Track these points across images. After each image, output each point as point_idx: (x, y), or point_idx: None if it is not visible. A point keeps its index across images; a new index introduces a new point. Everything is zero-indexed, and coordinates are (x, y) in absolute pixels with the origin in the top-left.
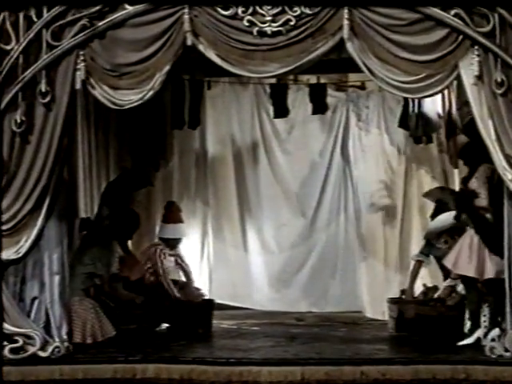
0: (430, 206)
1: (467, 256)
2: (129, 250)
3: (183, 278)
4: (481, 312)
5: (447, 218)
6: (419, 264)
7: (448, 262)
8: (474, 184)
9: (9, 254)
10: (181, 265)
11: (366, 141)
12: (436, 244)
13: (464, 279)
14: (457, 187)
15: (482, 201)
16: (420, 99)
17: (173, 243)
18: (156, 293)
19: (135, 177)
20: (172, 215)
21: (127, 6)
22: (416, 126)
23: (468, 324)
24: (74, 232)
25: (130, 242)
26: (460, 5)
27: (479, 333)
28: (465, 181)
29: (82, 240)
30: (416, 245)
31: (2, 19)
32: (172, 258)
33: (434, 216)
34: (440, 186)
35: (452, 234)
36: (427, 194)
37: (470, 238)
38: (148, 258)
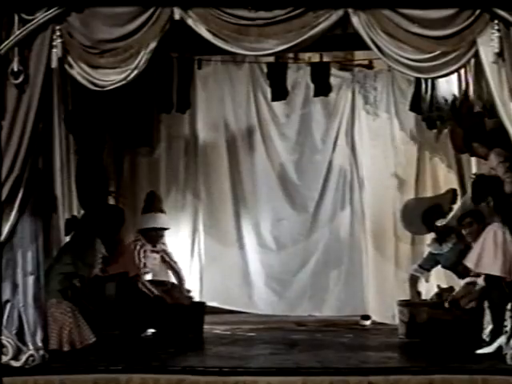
0: None
1: (492, 253)
2: (116, 248)
3: (172, 277)
4: (505, 317)
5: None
6: (416, 278)
7: (469, 260)
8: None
9: None
10: (169, 263)
11: (373, 126)
12: (446, 240)
13: (487, 279)
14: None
15: (507, 186)
16: (434, 79)
17: (153, 236)
18: (141, 294)
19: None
20: (151, 205)
21: None
22: (429, 110)
23: (487, 329)
24: (50, 228)
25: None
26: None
27: (501, 340)
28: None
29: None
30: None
31: None
32: (156, 255)
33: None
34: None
35: (477, 217)
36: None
37: (493, 232)
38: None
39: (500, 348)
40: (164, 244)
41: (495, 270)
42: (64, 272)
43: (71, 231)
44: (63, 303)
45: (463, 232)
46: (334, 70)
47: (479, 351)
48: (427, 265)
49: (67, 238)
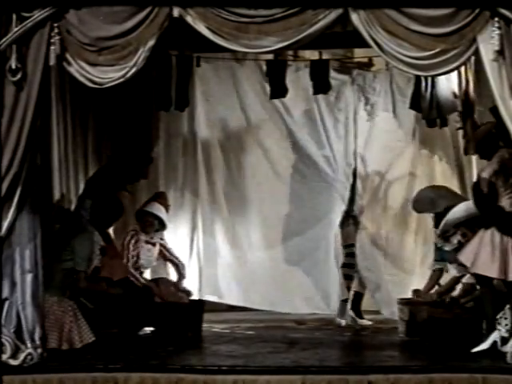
0: None
1: (489, 254)
2: (110, 241)
3: (174, 272)
4: (502, 314)
5: (466, 207)
6: (440, 272)
7: (465, 259)
8: (491, 166)
9: None
10: (170, 259)
11: (373, 125)
12: (449, 240)
13: (478, 278)
14: (474, 176)
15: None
16: (434, 77)
17: (148, 222)
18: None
19: (127, 167)
20: (156, 198)
21: None
22: (429, 108)
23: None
24: (48, 226)
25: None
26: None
27: (495, 336)
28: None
29: (59, 233)
30: (430, 239)
31: None
32: (151, 247)
33: (437, 224)
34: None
35: (471, 226)
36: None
37: (491, 232)
38: (122, 247)
39: (495, 343)
40: (163, 239)
41: (492, 272)
42: (64, 268)
43: (59, 222)
44: (64, 301)
45: (461, 240)
46: (333, 73)
47: (475, 349)
48: (438, 257)
49: (65, 235)
